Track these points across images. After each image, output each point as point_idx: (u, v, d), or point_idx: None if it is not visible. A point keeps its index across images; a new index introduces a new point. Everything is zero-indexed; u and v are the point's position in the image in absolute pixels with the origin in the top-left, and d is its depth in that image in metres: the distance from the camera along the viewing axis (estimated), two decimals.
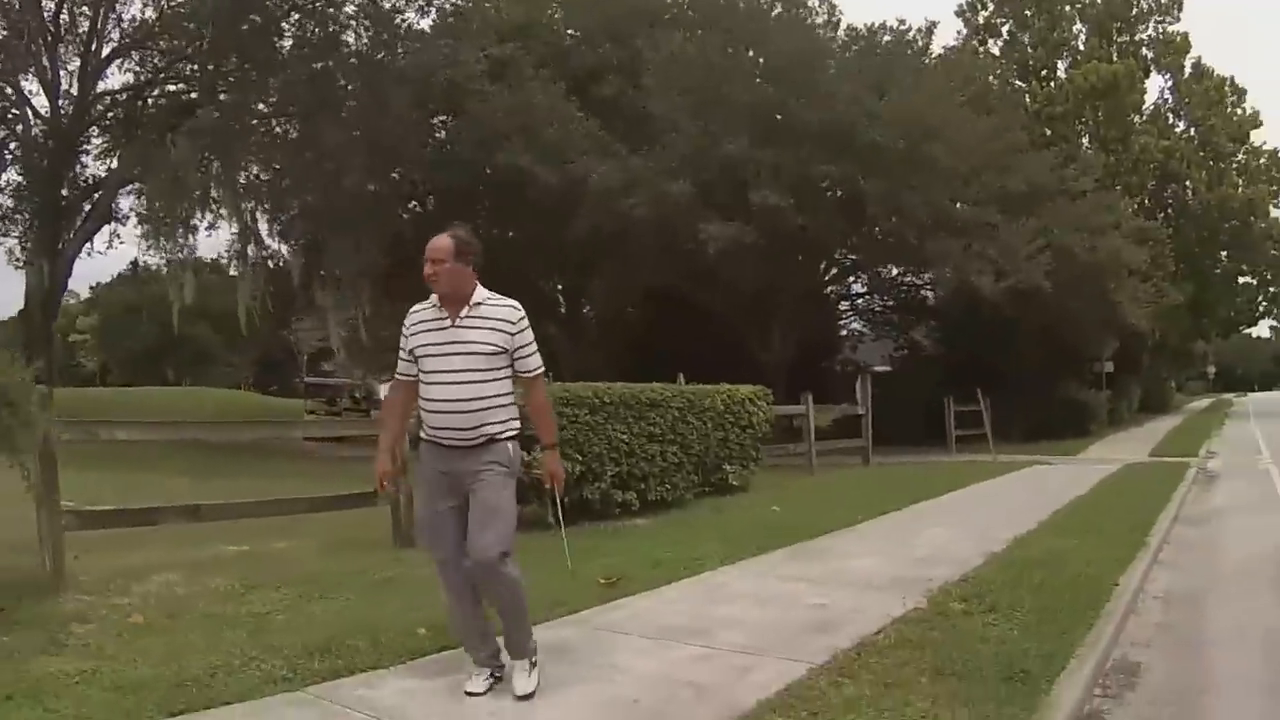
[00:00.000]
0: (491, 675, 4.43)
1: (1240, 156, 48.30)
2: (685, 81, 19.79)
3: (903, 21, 26.46)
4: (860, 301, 34.00)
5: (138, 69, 20.69)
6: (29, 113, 19.99)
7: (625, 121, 20.97)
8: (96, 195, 20.57)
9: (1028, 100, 41.87)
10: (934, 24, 27.90)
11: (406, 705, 4.33)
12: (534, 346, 4.46)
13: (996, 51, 48.13)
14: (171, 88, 20.71)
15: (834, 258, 27.75)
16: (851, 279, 31.14)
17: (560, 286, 28.79)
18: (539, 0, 23.49)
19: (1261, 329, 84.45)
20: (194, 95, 19.36)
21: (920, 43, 26.72)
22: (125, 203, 21.45)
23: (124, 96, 20.87)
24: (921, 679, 4.46)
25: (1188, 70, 47.89)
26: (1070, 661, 4.81)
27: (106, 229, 21.23)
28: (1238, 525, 10.82)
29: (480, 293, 4.40)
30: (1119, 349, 34.36)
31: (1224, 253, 48.93)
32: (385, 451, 4.55)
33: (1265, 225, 48.34)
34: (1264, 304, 56.42)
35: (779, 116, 20.09)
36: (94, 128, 20.73)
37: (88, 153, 20.84)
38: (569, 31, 23.39)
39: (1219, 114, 47.19)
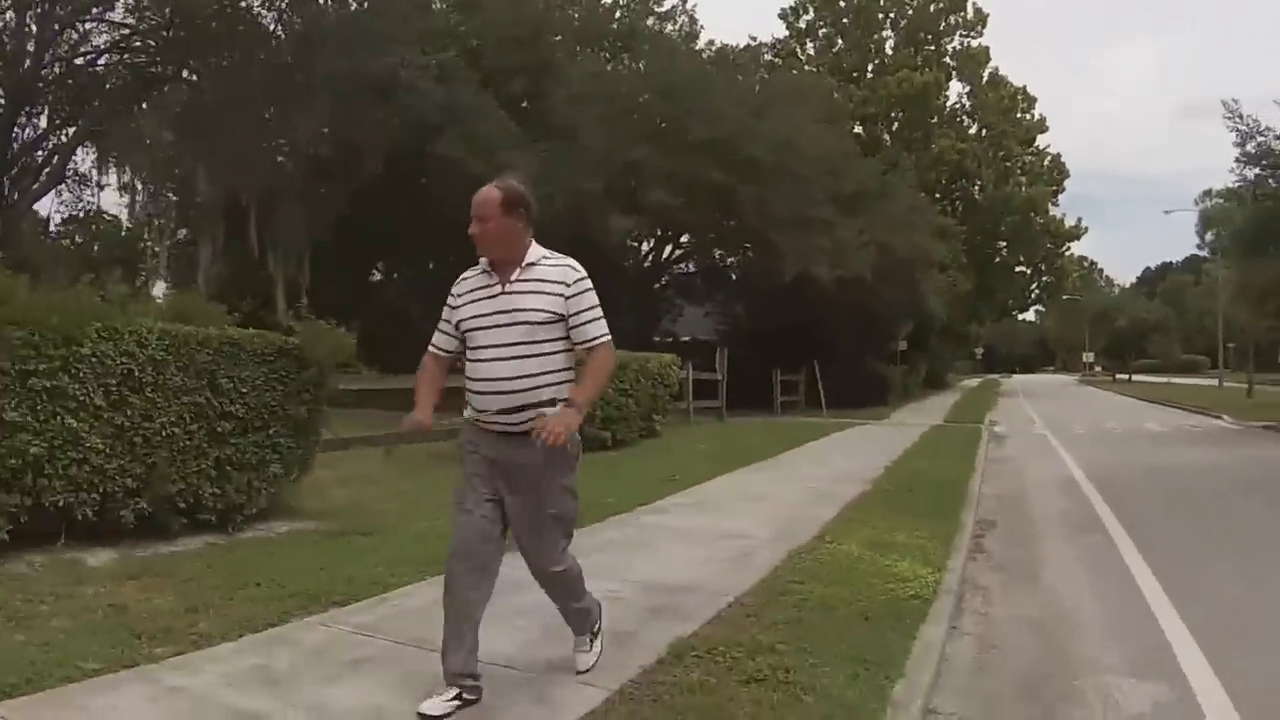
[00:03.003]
0: (458, 697, 3.88)
1: (1026, 158, 56.52)
2: (601, 95, 24.24)
3: (754, 38, 32.35)
4: (681, 278, 37.80)
5: (98, 37, 22.94)
6: None
7: (531, 120, 25.15)
8: (53, 157, 22.95)
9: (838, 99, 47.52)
10: (781, 41, 33.59)
11: None
12: (596, 311, 4.00)
13: (813, 52, 54.52)
14: (131, 59, 23.05)
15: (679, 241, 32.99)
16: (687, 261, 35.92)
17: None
18: (462, 5, 27.25)
19: (1029, 313, 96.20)
20: (155, 69, 22.11)
21: (768, 57, 32.17)
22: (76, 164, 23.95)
23: (79, 62, 23.13)
24: (889, 513, 9.41)
25: (985, 79, 55.46)
26: (961, 513, 9.89)
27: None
28: (1028, 463, 16.65)
29: (535, 251, 4.00)
30: (912, 329, 41.18)
31: (1004, 245, 57.23)
32: (425, 404, 4.10)
33: (1043, 221, 56.92)
34: (1036, 291, 65.86)
35: (662, 125, 24.97)
36: (48, 91, 22.86)
37: (39, 114, 23.07)
38: (474, 42, 27.11)
39: (1010, 120, 55.14)
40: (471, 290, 4.03)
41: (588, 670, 4.33)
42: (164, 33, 21.71)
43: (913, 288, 32.87)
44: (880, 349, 38.90)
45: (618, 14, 29.54)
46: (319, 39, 21.69)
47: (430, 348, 4.20)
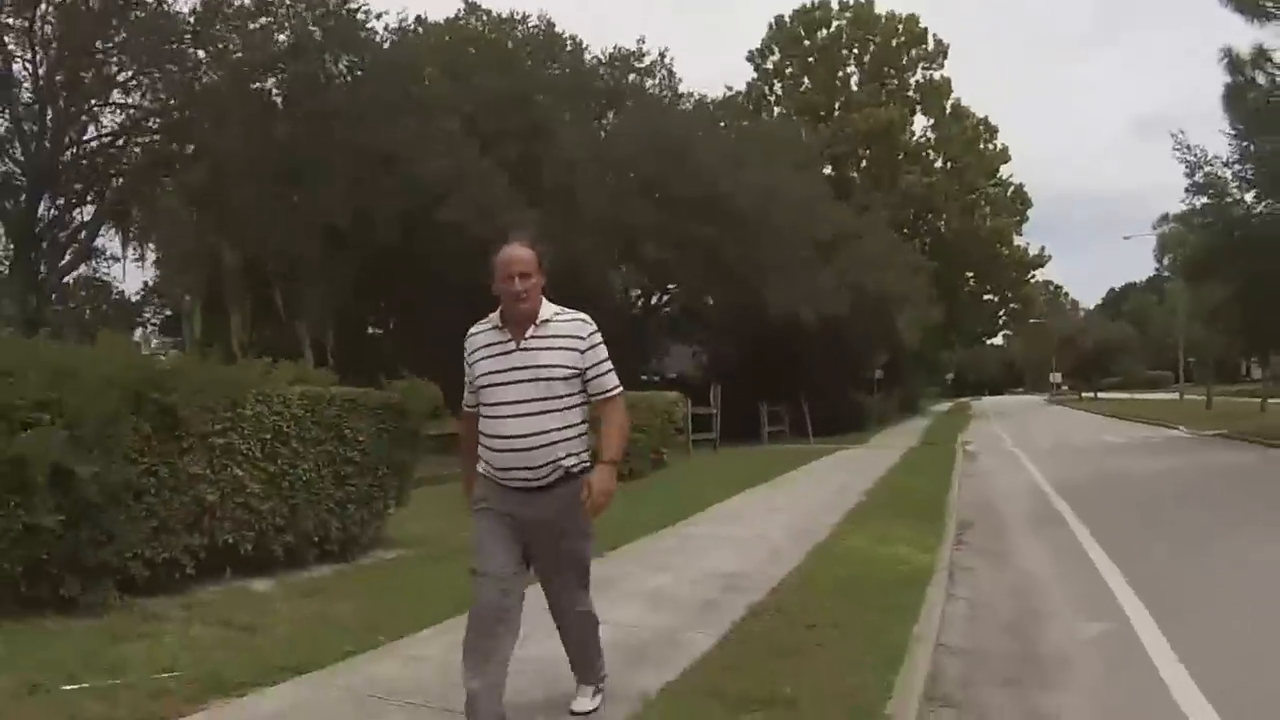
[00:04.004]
0: None
1: (990, 190, 58.53)
2: (591, 157, 26.04)
3: (730, 88, 34.62)
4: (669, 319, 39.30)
5: (108, 118, 24.43)
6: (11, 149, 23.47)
7: (527, 182, 26.90)
8: (79, 233, 24.48)
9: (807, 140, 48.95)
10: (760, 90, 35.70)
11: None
12: (609, 364, 4.13)
13: (780, 92, 56.61)
14: (147, 140, 24.60)
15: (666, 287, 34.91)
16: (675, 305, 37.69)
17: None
18: (453, 68, 29.03)
19: (997, 338, 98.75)
20: (172, 148, 23.69)
21: (749, 106, 34.21)
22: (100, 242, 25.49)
23: (100, 143, 24.57)
24: (884, 518, 11.08)
25: (948, 111, 57.44)
26: (944, 515, 11.60)
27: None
28: (998, 475, 18.56)
29: (547, 308, 4.06)
30: (887, 359, 43.22)
31: (971, 275, 59.35)
32: (468, 480, 4.28)
33: (1008, 252, 59.10)
34: (1003, 318, 68.11)
35: (652, 184, 26.86)
36: (71, 169, 24.27)
37: (63, 193, 24.54)
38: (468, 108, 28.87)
39: (974, 152, 57.13)
40: (485, 346, 4.07)
41: (586, 712, 4.43)
42: (175, 114, 23.20)
43: (887, 321, 34.89)
44: (857, 379, 40.94)
45: (601, 71, 31.40)
46: (328, 114, 23.15)
47: (465, 408, 4.30)
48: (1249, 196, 24.81)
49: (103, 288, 30.70)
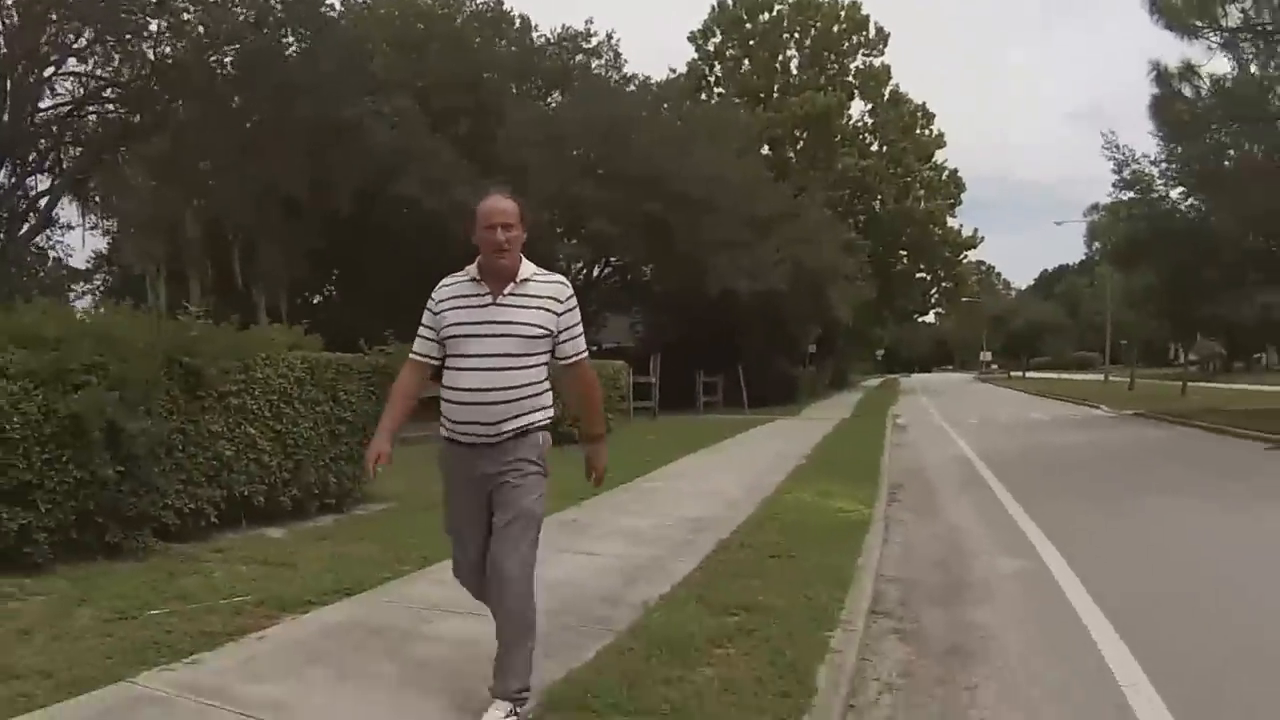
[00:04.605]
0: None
1: (925, 173, 60.02)
2: (540, 136, 26.86)
3: (674, 70, 35.66)
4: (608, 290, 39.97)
5: (64, 86, 24.54)
6: None
7: (479, 158, 27.60)
8: (38, 202, 24.70)
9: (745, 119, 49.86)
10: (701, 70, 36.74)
11: None
12: (581, 328, 4.12)
13: (721, 74, 57.48)
14: (107, 110, 24.82)
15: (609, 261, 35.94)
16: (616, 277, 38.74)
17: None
18: (402, 44, 29.62)
19: (928, 315, 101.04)
20: (138, 119, 23.95)
21: (692, 87, 35.25)
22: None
23: (58, 112, 24.74)
24: (824, 478, 12.20)
25: (886, 97, 58.60)
26: (878, 478, 12.78)
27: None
28: (927, 446, 19.89)
29: (527, 267, 4.04)
30: (820, 334, 44.62)
31: (905, 254, 60.99)
32: (385, 432, 4.15)
33: (941, 233, 60.82)
34: (936, 296, 69.98)
35: (599, 162, 27.80)
36: (31, 139, 24.34)
37: (22, 162, 24.66)
38: (420, 84, 29.45)
39: (910, 137, 58.49)
40: (457, 297, 4.03)
41: None
42: (134, 85, 23.45)
43: (821, 297, 36.21)
44: (791, 353, 42.26)
45: (549, 52, 32.23)
46: (284, 88, 23.56)
47: (412, 355, 4.20)
48: (1174, 193, 26.31)
49: (39, 255, 30.85)
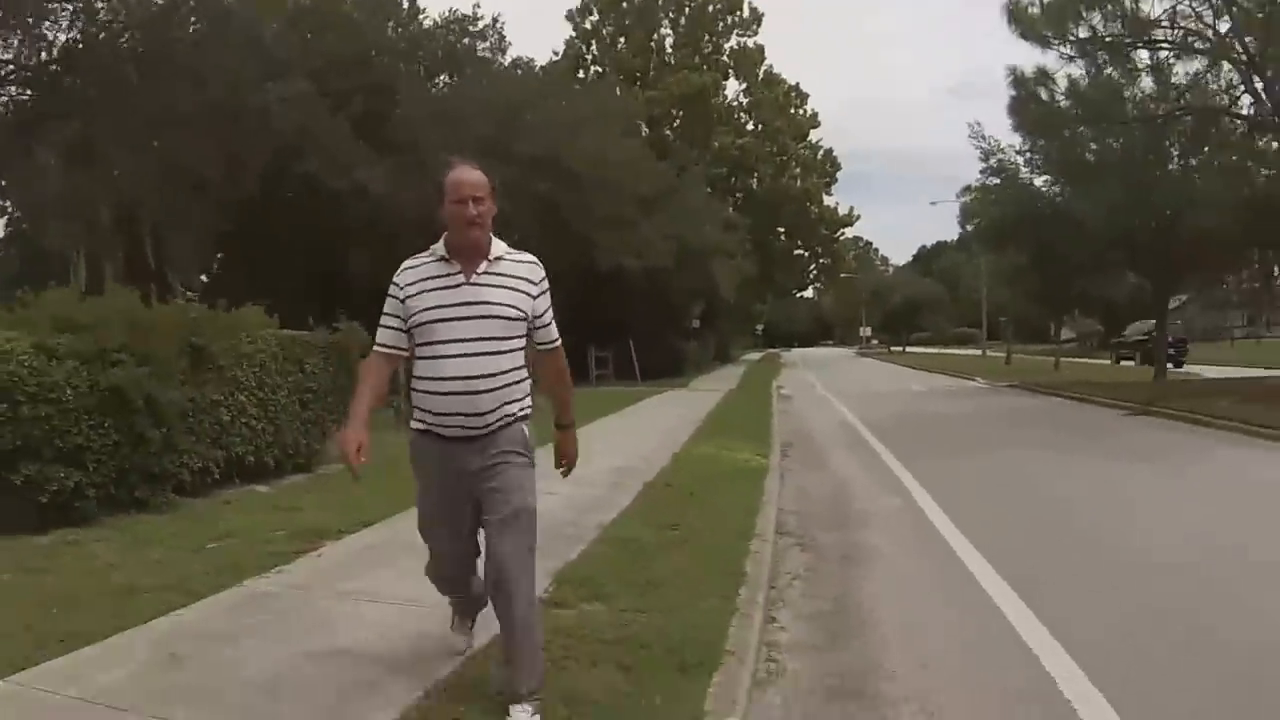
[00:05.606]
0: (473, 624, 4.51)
1: (801, 152, 62.72)
2: (431, 115, 28.15)
3: (556, 52, 37.67)
4: None
5: None
6: None
7: (375, 137, 28.81)
8: None
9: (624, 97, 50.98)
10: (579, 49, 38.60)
11: None
12: (552, 313, 4.00)
13: (598, 52, 59.10)
14: (15, 91, 25.14)
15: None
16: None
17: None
18: (294, 26, 30.49)
19: (807, 291, 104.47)
20: (42, 103, 24.42)
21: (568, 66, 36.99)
22: None
23: None
24: (722, 436, 14.16)
25: (760, 77, 61.21)
26: (770, 438, 14.85)
27: None
28: (812, 413, 22.30)
29: (498, 245, 3.87)
30: (704, 309, 46.92)
31: (782, 231, 63.70)
32: (360, 420, 3.79)
33: (818, 211, 63.67)
34: (814, 272, 73.02)
35: (491, 141, 29.25)
36: None
37: None
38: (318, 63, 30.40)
39: (784, 116, 61.10)
40: (425, 279, 3.81)
41: None
42: (42, 71, 24.03)
43: (704, 274, 38.40)
44: (677, 327, 44.43)
45: (437, 34, 33.56)
46: (185, 72, 24.34)
47: (377, 348, 3.96)
48: (1039, 181, 29.25)
49: None
